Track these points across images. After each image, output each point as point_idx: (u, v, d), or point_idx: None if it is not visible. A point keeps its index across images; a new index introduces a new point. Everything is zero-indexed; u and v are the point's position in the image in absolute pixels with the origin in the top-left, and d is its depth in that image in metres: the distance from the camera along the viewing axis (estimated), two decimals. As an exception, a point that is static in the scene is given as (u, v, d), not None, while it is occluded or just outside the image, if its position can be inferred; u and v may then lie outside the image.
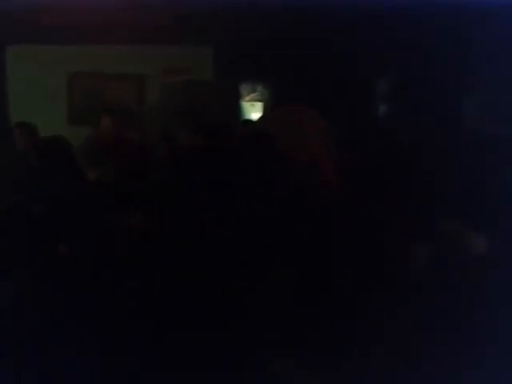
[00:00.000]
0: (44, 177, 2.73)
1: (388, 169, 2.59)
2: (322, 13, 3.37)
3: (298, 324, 1.86)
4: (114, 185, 2.80)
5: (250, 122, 4.19)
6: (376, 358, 1.75)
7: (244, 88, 5.37)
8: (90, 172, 2.99)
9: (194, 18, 3.71)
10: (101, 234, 2.50)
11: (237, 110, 4.90)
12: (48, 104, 4.16)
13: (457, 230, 2.22)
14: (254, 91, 5.96)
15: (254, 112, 6.26)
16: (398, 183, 2.51)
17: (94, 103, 4.42)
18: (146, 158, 3.16)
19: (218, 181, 2.57)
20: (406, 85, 3.87)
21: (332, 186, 2.69)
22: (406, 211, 2.27)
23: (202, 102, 4.58)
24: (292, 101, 4.13)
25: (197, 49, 4.56)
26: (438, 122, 3.49)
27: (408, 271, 2.03)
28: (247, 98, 5.89)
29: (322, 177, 2.77)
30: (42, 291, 2.06)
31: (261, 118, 4.53)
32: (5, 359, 1.77)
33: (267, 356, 1.75)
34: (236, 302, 1.91)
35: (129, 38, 4.18)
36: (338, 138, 3.34)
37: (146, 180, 2.89)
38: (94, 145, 3.44)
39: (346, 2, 3.21)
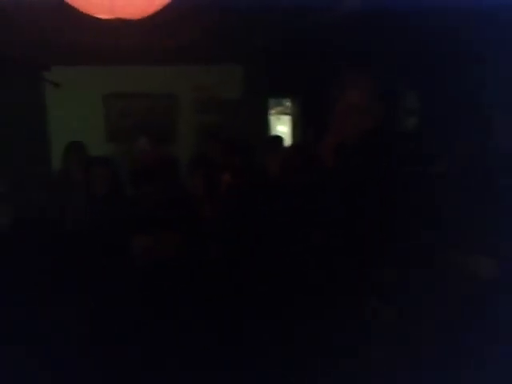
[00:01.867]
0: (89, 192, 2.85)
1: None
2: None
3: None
4: (151, 204, 2.88)
5: (277, 137, 4.27)
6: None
7: (271, 102, 5.49)
8: (129, 189, 3.08)
9: (223, 37, 3.82)
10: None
11: (264, 125, 5.01)
12: (88, 123, 4.37)
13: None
14: (280, 105, 6.09)
15: (280, 125, 6.41)
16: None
17: (129, 122, 4.60)
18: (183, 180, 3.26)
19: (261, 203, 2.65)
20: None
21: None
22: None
23: (233, 118, 4.70)
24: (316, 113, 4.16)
25: (227, 66, 4.69)
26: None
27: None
28: (273, 112, 6.03)
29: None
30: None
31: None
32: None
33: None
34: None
35: (161, 59, 4.33)
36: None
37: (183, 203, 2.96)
38: (133, 163, 3.55)
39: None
